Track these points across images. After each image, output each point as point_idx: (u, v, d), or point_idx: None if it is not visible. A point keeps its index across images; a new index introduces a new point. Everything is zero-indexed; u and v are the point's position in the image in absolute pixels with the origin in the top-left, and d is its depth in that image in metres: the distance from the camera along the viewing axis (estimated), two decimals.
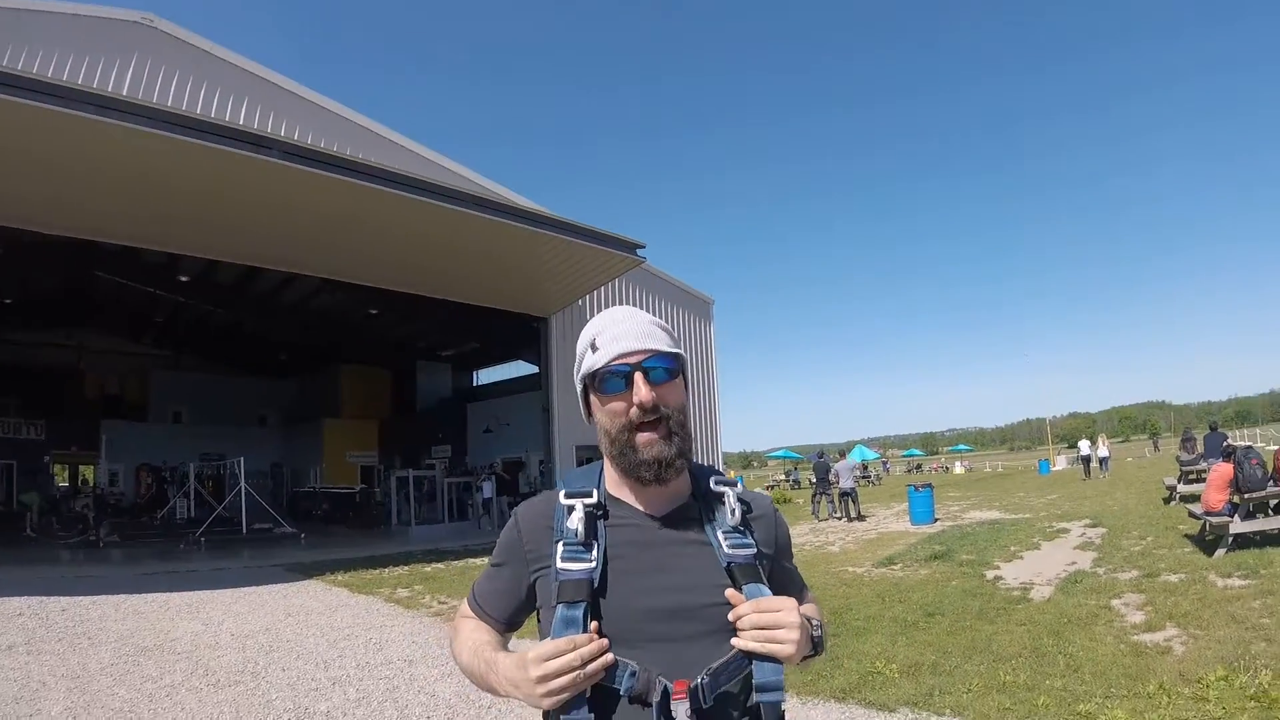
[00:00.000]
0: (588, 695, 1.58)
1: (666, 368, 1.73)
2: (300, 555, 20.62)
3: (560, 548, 1.68)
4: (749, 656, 1.62)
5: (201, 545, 22.32)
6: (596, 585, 1.64)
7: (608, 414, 1.74)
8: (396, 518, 29.65)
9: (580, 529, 1.68)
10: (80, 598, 13.26)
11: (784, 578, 1.92)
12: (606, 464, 1.83)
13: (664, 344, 1.74)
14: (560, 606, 1.62)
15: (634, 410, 1.69)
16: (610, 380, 1.71)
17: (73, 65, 17.79)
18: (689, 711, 1.56)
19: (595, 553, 1.67)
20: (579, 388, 1.83)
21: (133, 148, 14.83)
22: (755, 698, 1.64)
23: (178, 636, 10.47)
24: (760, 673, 1.63)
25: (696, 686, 1.58)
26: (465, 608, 1.91)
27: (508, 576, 1.82)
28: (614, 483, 1.80)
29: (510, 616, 1.84)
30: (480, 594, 1.88)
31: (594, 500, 1.75)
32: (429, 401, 43.62)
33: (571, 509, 1.72)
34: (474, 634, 1.82)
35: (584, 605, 1.61)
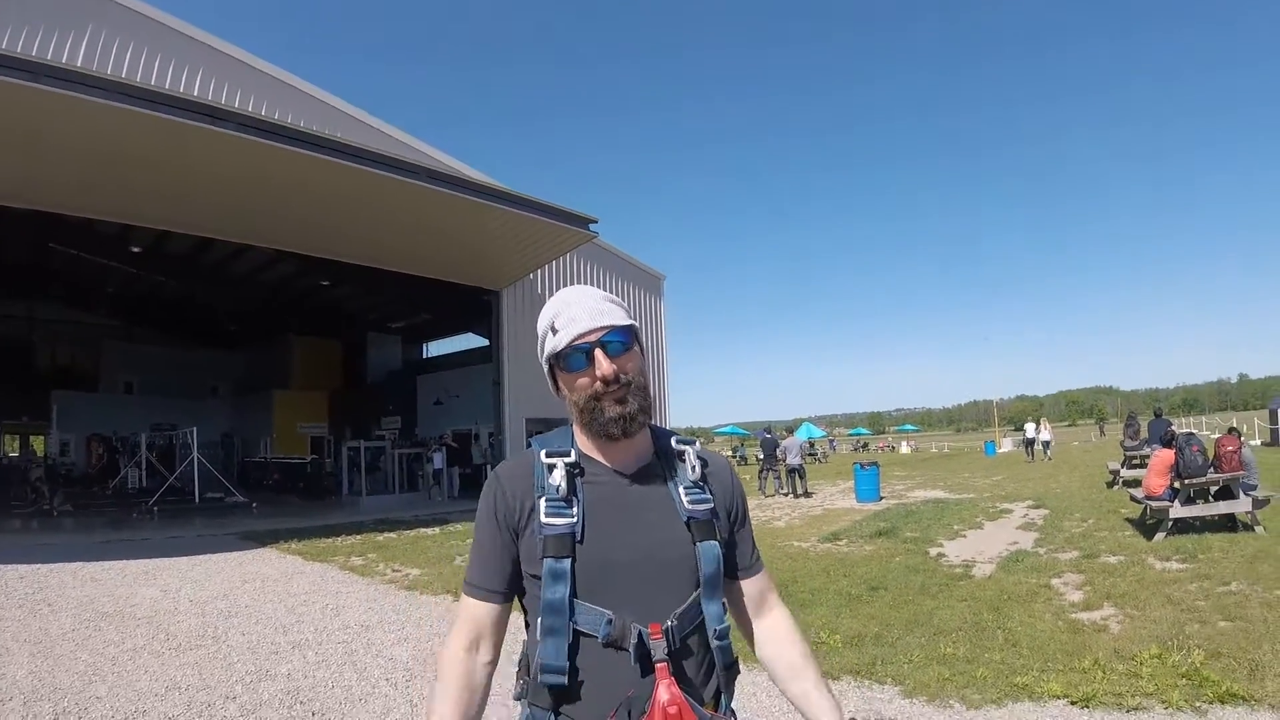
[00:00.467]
0: (568, 641, 1.78)
1: (622, 341, 1.87)
2: (253, 524, 20.56)
3: (543, 503, 1.84)
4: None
5: (154, 514, 22.17)
6: (579, 538, 1.81)
7: (574, 388, 1.88)
8: (348, 488, 29.57)
9: (563, 485, 1.84)
10: (38, 565, 13.24)
11: (744, 546, 2.09)
12: (576, 429, 1.98)
13: (618, 318, 1.88)
14: (548, 560, 1.78)
15: (598, 384, 1.83)
16: (573, 357, 1.85)
17: (26, 37, 17.46)
18: (665, 649, 1.75)
19: (576, 508, 1.84)
20: (545, 367, 1.96)
21: (88, 120, 14.66)
22: (712, 644, 1.88)
23: (137, 602, 10.49)
24: (711, 620, 1.87)
25: (668, 628, 1.79)
26: (463, 607, 1.95)
27: (498, 541, 1.91)
28: (585, 445, 1.95)
29: (510, 582, 1.92)
30: (476, 578, 1.93)
31: (572, 459, 1.90)
32: (379, 373, 43.39)
33: (552, 467, 1.88)
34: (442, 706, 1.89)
35: (569, 559, 1.78)
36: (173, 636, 8.54)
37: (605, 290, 1.96)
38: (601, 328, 1.85)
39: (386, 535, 17.95)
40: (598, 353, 1.84)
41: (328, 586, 11.72)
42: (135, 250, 28.66)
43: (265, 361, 45.51)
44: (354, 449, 30.07)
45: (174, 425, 34.02)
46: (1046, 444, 43.55)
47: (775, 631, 2.09)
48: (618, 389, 1.84)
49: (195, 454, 26.17)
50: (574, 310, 1.86)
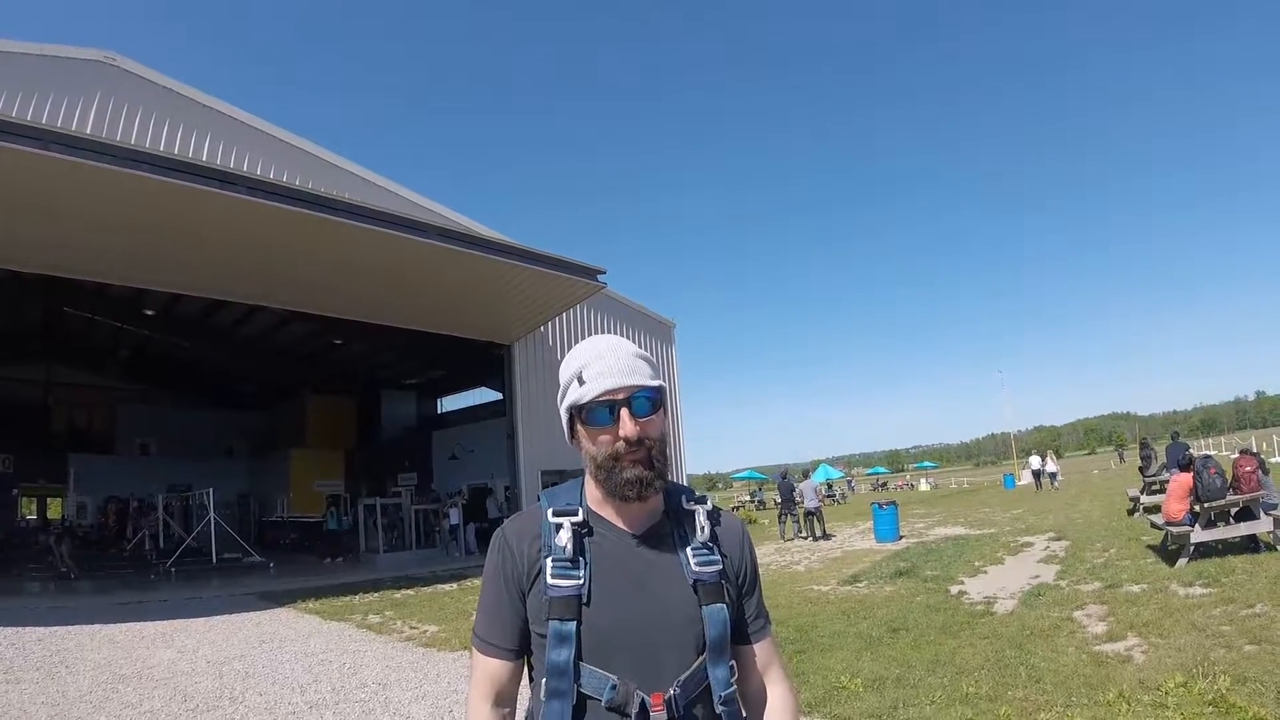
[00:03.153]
0: (572, 703, 1.77)
1: (649, 398, 1.85)
2: (270, 584, 20.52)
3: (550, 563, 1.82)
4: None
5: (172, 575, 22.22)
6: (585, 601, 1.79)
7: (593, 443, 1.85)
8: (364, 545, 29.50)
9: (569, 546, 1.83)
10: (55, 628, 13.23)
11: (751, 610, 2.05)
12: (588, 481, 1.95)
13: (647, 378, 1.86)
14: (553, 622, 1.77)
15: (620, 443, 1.81)
16: (598, 412, 1.83)
17: (36, 104, 17.74)
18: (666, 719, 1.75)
19: (582, 570, 1.82)
20: (564, 415, 1.92)
21: (99, 186, 14.83)
22: (718, 709, 1.84)
23: (154, 664, 10.48)
24: (716, 686, 1.84)
25: (671, 698, 1.77)
26: (477, 663, 1.95)
27: (506, 601, 1.90)
28: (595, 500, 1.94)
29: (520, 639, 1.91)
30: (486, 635, 1.92)
31: (579, 518, 1.88)
32: (394, 429, 43.49)
33: (559, 526, 1.86)
34: None
35: (575, 621, 1.77)
36: (190, 698, 8.51)
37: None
38: (631, 386, 1.82)
39: (404, 592, 17.91)
40: (623, 412, 1.82)
41: (345, 645, 11.69)
42: (149, 313, 28.90)
43: (280, 420, 45.61)
44: (370, 506, 29.98)
45: (190, 486, 34.13)
46: (1053, 475, 43.66)
47: (773, 708, 2.04)
48: (639, 451, 1.82)
49: (212, 514, 26.23)
50: (605, 363, 1.84)
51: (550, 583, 1.80)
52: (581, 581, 1.80)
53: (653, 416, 1.86)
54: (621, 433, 1.81)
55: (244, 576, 23.12)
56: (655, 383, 1.88)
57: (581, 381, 1.85)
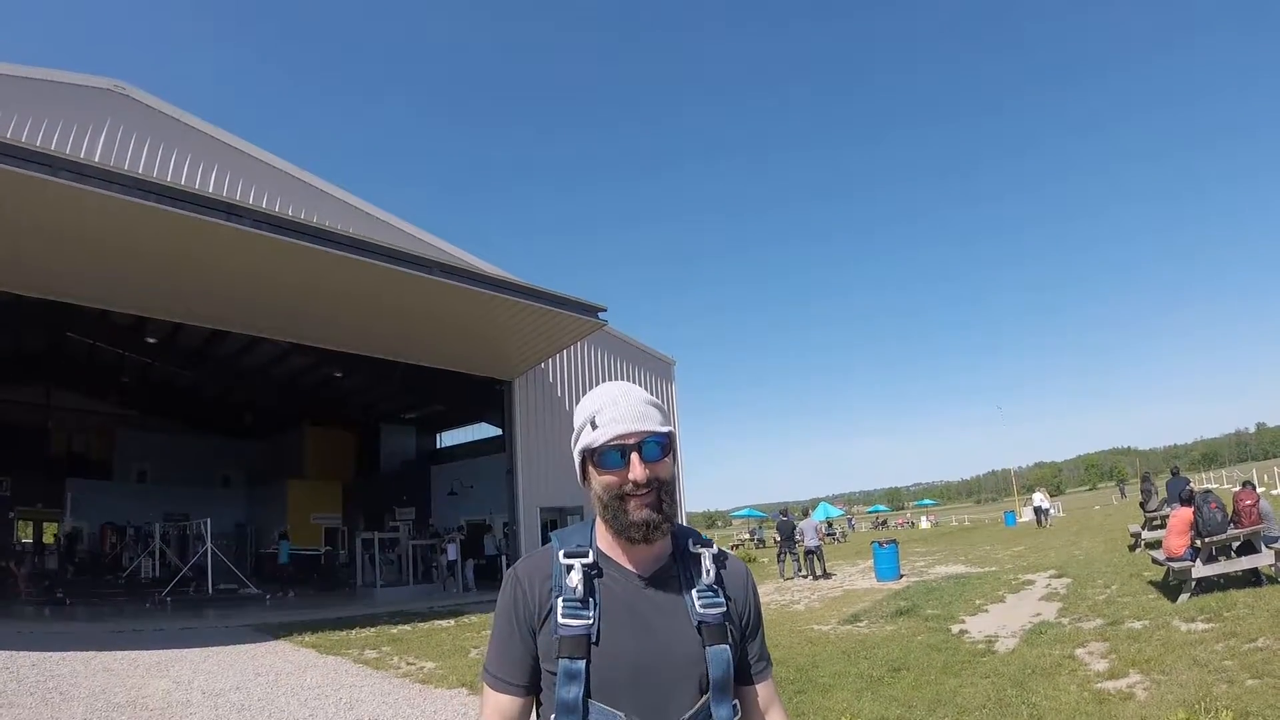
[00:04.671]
0: None
1: (659, 443, 1.91)
2: (266, 616, 20.44)
3: (560, 603, 1.86)
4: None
5: (168, 604, 22.15)
6: (594, 640, 1.83)
7: (604, 485, 1.91)
8: (361, 579, 29.41)
9: (580, 587, 1.88)
10: (50, 653, 13.14)
11: (753, 653, 2.09)
12: (598, 524, 2.01)
13: (657, 424, 1.92)
14: (563, 660, 1.81)
15: (628, 485, 1.87)
16: (609, 455, 1.89)
17: (45, 131, 17.92)
18: None
19: (592, 610, 1.86)
20: (577, 458, 1.99)
21: (106, 214, 14.97)
22: None
23: (149, 693, 10.44)
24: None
25: None
26: (487, 698, 1.97)
27: (518, 638, 1.93)
28: (605, 541, 1.99)
29: (531, 677, 1.94)
30: (498, 671, 1.95)
31: (590, 560, 1.93)
32: (393, 463, 43.45)
33: (570, 568, 1.91)
34: None
35: (584, 660, 1.81)
36: None
37: (616, 377, 2.01)
38: (642, 432, 1.89)
39: (401, 627, 17.83)
40: (634, 456, 1.88)
41: (341, 679, 11.65)
42: (150, 341, 28.92)
43: (279, 451, 45.51)
44: (368, 539, 29.93)
45: (186, 515, 34.32)
46: (1045, 512, 43.99)
47: None
48: (646, 493, 1.88)
49: (209, 545, 26.20)
50: (618, 409, 1.91)
51: (561, 622, 1.84)
52: (591, 621, 1.85)
53: (662, 460, 1.92)
54: (631, 475, 1.87)
55: (240, 607, 23.09)
56: (665, 429, 1.94)
57: (594, 426, 1.91)
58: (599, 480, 1.92)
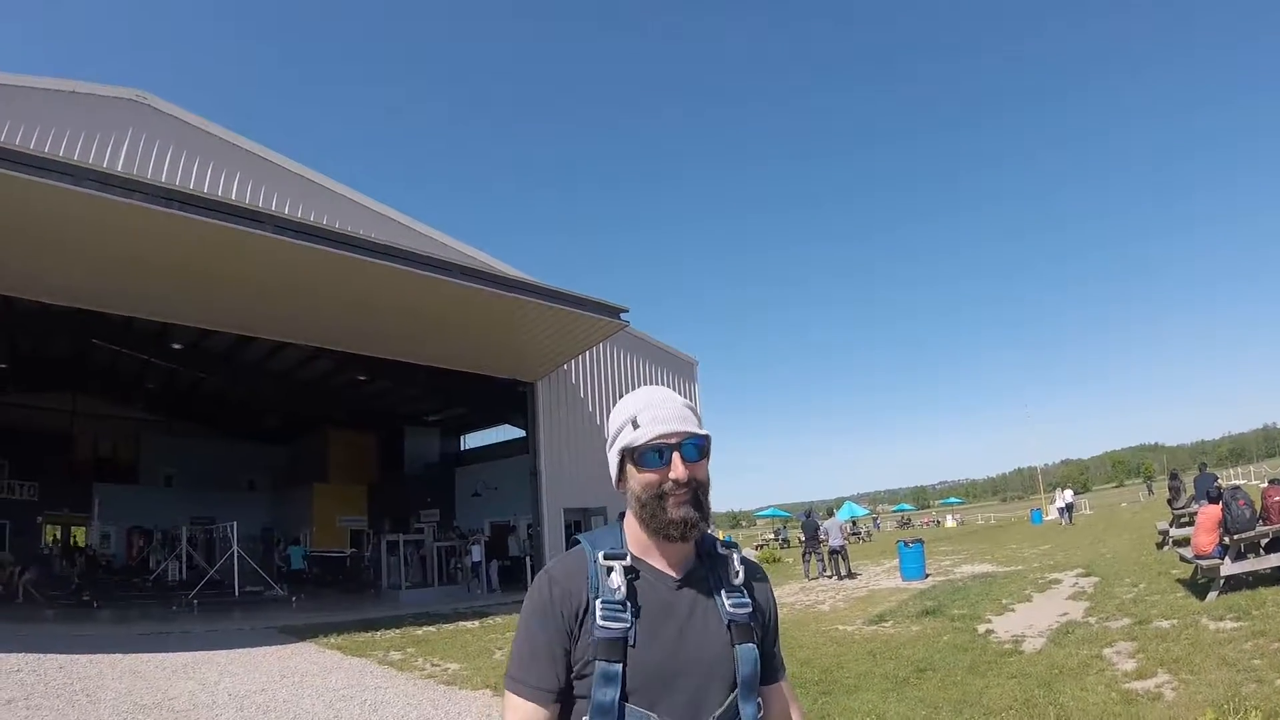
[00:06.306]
0: None
1: (698, 445, 1.95)
2: (292, 618, 20.57)
3: (599, 605, 1.86)
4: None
5: (194, 607, 22.28)
6: (631, 643, 1.84)
7: (643, 484, 1.94)
8: (386, 581, 29.54)
9: (622, 588, 1.88)
10: (76, 656, 13.21)
11: (772, 663, 2.11)
12: (628, 525, 2.03)
13: (696, 426, 1.96)
14: (600, 662, 1.81)
15: (668, 484, 1.90)
16: (649, 455, 1.92)
17: (68, 141, 18.04)
18: None
19: (629, 613, 1.86)
20: (615, 457, 2.01)
21: (131, 223, 15.09)
22: None
23: (175, 695, 10.51)
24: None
25: None
26: (511, 705, 1.90)
27: (550, 641, 1.89)
28: (638, 544, 2.00)
29: (561, 681, 1.88)
30: (524, 677, 1.89)
31: (629, 563, 1.93)
32: (417, 466, 43.53)
33: (610, 570, 1.91)
34: None
35: (621, 663, 1.82)
36: None
37: (638, 377, 2.03)
38: (683, 433, 1.93)
39: (426, 629, 17.91)
40: (675, 455, 1.92)
41: (366, 681, 11.68)
42: (175, 347, 29.09)
43: (304, 455, 45.83)
44: (393, 542, 30.02)
45: (213, 518, 34.49)
46: (1072, 509, 43.92)
47: None
48: (685, 491, 1.91)
49: (235, 548, 26.37)
50: (660, 411, 1.95)
51: (600, 624, 1.84)
52: (629, 624, 1.85)
53: (700, 462, 1.96)
54: (672, 474, 1.90)
55: (266, 610, 23.23)
56: (703, 432, 1.98)
57: (636, 425, 1.94)
58: (639, 479, 1.95)
